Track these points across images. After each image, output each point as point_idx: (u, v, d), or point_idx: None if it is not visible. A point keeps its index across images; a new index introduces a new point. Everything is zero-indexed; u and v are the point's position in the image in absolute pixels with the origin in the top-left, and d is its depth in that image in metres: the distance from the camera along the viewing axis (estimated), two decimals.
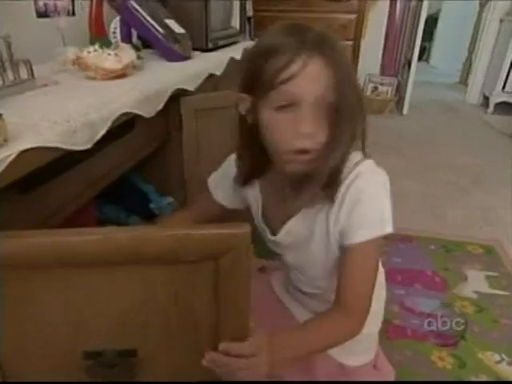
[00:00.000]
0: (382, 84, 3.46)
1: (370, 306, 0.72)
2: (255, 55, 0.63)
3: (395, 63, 3.51)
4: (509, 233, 1.78)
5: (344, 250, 0.71)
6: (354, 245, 0.68)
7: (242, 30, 1.92)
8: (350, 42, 3.22)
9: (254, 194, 0.82)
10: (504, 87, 3.49)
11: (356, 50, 3.24)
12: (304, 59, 0.59)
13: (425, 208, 1.97)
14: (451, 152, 2.70)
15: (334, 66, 0.60)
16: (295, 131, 0.60)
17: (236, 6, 1.83)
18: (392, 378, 0.91)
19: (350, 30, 3.20)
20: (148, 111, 0.92)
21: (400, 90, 3.52)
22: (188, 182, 1.22)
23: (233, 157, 0.79)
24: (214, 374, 0.60)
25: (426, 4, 3.15)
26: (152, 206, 1.28)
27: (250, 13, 2.84)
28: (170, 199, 1.30)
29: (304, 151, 0.62)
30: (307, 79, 0.59)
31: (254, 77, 0.62)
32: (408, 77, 3.36)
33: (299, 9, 3.22)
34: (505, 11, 3.58)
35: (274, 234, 0.80)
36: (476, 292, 1.41)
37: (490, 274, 1.50)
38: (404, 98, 3.41)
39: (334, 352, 0.82)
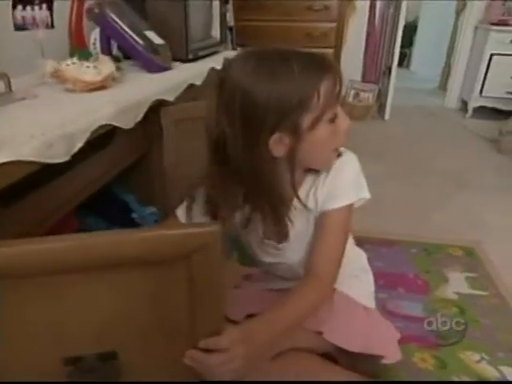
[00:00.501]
0: (363, 90, 3.51)
1: (338, 271, 0.80)
2: (300, 85, 0.68)
3: (376, 70, 3.57)
4: (489, 234, 1.82)
5: (321, 217, 0.81)
6: (331, 211, 0.79)
7: (222, 40, 1.95)
8: (331, 50, 3.27)
9: (246, 219, 0.84)
10: (481, 92, 3.58)
11: (337, 57, 3.30)
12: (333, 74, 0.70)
13: (407, 212, 2.01)
14: (432, 156, 2.75)
15: None
16: (342, 129, 0.74)
17: (216, 16, 1.85)
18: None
19: (331, 38, 3.26)
20: (126, 123, 0.92)
21: (381, 96, 3.59)
22: (170, 192, 1.22)
23: (200, 192, 0.82)
24: (197, 373, 0.61)
25: (403, 12, 3.23)
26: (134, 216, 1.28)
27: (231, 23, 2.88)
28: (153, 209, 1.30)
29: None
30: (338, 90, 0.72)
31: (305, 108, 0.68)
32: (389, 83, 3.43)
33: (280, 18, 3.27)
34: (478, 19, 3.68)
35: (280, 242, 0.87)
36: (457, 293, 1.44)
37: (470, 275, 1.53)
38: (385, 104, 3.47)
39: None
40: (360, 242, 1.59)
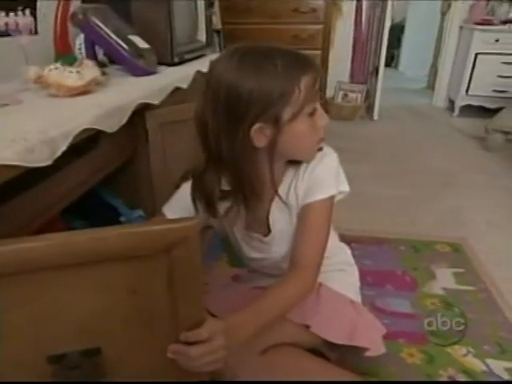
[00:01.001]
0: (351, 91, 3.54)
1: (321, 262, 0.83)
2: (277, 84, 0.71)
3: (364, 71, 3.61)
4: (475, 231, 1.85)
5: (304, 209, 0.83)
6: (313, 202, 0.81)
7: (209, 43, 1.96)
8: (319, 52, 3.31)
9: (228, 208, 0.85)
10: (468, 91, 3.63)
11: (325, 58, 3.33)
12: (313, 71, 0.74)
13: (396, 211, 2.03)
14: (420, 155, 2.78)
15: None
16: (320, 126, 0.78)
17: (201, 19, 1.86)
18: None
19: (318, 40, 3.30)
20: (110, 126, 0.93)
21: (370, 97, 3.62)
22: (157, 195, 1.23)
23: (187, 186, 0.85)
24: (180, 366, 0.62)
25: (389, 13, 3.27)
26: (122, 219, 1.28)
27: (218, 26, 2.89)
28: (140, 212, 1.30)
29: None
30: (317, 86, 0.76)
31: (286, 101, 0.71)
32: (376, 83, 3.46)
33: (268, 21, 3.29)
34: (463, 19, 3.73)
35: (265, 235, 0.90)
36: (444, 289, 1.46)
37: (457, 270, 1.55)
38: (374, 104, 3.50)
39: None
40: (349, 241, 1.61)
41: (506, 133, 2.68)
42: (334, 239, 1.06)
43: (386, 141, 3.07)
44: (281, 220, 0.88)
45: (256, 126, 0.71)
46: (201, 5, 1.83)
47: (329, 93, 3.54)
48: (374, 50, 3.55)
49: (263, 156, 0.76)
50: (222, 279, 1.20)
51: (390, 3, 3.25)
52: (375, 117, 3.50)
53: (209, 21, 2.07)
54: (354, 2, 3.47)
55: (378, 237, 1.76)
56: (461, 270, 1.55)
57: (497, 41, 3.40)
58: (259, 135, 0.72)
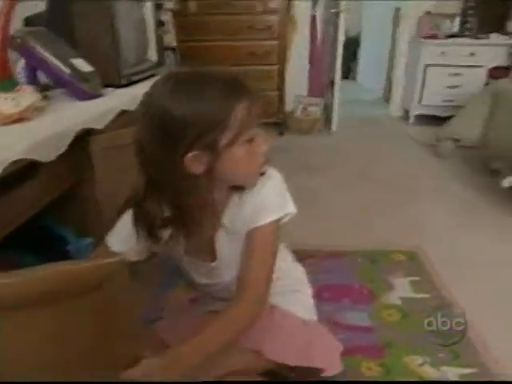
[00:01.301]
0: (310, 104, 3.61)
1: (269, 287, 0.81)
2: (213, 110, 0.70)
3: (321, 84, 3.69)
4: (430, 237, 1.91)
5: (249, 234, 0.81)
6: (259, 227, 0.80)
7: (160, 63, 1.94)
8: (276, 67, 3.36)
9: (171, 235, 0.83)
10: (420, 100, 3.78)
11: (282, 73, 3.39)
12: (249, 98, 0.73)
13: (354, 222, 2.06)
14: (377, 165, 2.85)
15: None
16: (260, 152, 0.76)
17: (152, 38, 1.85)
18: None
19: (275, 56, 3.35)
20: (46, 155, 0.89)
21: (328, 109, 3.70)
22: (105, 221, 1.19)
23: (129, 214, 0.82)
24: None
25: (342, 28, 3.37)
26: (69, 248, 1.24)
27: (173, 43, 2.88)
28: (89, 240, 1.26)
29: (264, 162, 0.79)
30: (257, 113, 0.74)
31: (221, 129, 0.70)
32: (333, 96, 3.55)
33: (224, 38, 3.32)
34: (412, 33, 3.91)
35: (211, 261, 0.88)
36: (401, 298, 1.48)
37: (413, 279, 1.59)
38: (332, 117, 3.58)
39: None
40: (308, 255, 1.62)
41: (456, 140, 2.79)
42: (286, 260, 1.05)
43: (344, 152, 3.13)
44: (228, 246, 0.87)
45: (191, 154, 0.70)
46: (150, 24, 1.82)
47: (288, 107, 3.59)
48: (329, 63, 3.64)
49: (202, 183, 0.75)
50: (178, 303, 1.17)
51: (342, 18, 3.36)
52: (333, 129, 3.57)
53: (160, 39, 2.07)
54: (309, 18, 3.56)
55: (336, 250, 1.77)
56: (417, 278, 1.59)
57: (442, 53, 3.58)
58: (195, 163, 0.71)
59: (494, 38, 3.59)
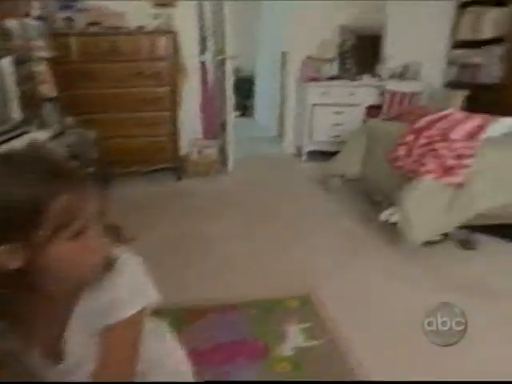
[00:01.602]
0: (205, 147, 3.63)
1: None
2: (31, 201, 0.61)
3: (214, 126, 3.74)
4: (323, 277, 1.94)
5: (104, 333, 0.73)
6: (114, 325, 0.72)
7: (28, 119, 1.79)
8: (168, 113, 3.33)
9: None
10: (311, 137, 4.02)
11: (174, 118, 3.37)
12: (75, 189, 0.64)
13: (250, 270, 2.04)
14: (271, 204, 2.92)
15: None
16: (95, 245, 0.67)
17: (13, 95, 1.70)
18: None
19: (166, 101, 3.33)
20: None
21: (224, 150, 3.74)
22: None
23: None
24: None
25: (229, 71, 3.52)
26: None
27: (52, 94, 2.71)
28: None
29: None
30: (89, 205, 0.66)
31: (34, 221, 0.61)
32: (227, 137, 3.61)
33: (112, 85, 3.22)
34: (297, 76, 4.19)
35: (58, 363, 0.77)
36: (293, 348, 1.48)
37: (305, 325, 1.59)
38: (227, 157, 3.63)
39: None
40: (200, 313, 1.56)
41: (342, 175, 2.99)
42: (160, 343, 0.96)
43: (240, 194, 3.16)
44: (81, 344, 0.76)
45: (4, 247, 0.61)
46: (10, 81, 1.68)
47: (184, 151, 3.56)
48: (222, 106, 3.71)
49: (24, 281, 0.65)
50: None
51: (228, 64, 3.48)
52: (230, 169, 3.62)
53: (31, 93, 1.92)
54: (199, 64, 3.62)
55: (231, 303, 1.73)
56: (308, 325, 1.60)
57: (325, 93, 3.88)
58: (10, 256, 0.62)
59: (367, 79, 4.01)
